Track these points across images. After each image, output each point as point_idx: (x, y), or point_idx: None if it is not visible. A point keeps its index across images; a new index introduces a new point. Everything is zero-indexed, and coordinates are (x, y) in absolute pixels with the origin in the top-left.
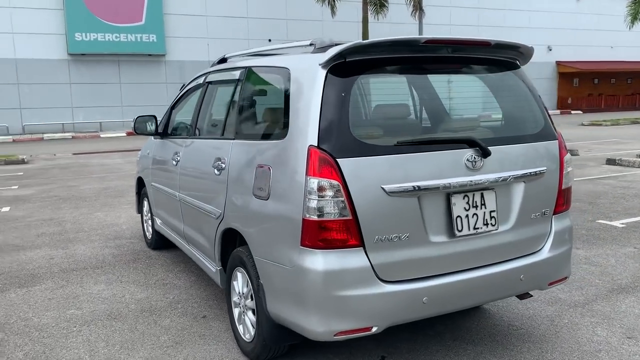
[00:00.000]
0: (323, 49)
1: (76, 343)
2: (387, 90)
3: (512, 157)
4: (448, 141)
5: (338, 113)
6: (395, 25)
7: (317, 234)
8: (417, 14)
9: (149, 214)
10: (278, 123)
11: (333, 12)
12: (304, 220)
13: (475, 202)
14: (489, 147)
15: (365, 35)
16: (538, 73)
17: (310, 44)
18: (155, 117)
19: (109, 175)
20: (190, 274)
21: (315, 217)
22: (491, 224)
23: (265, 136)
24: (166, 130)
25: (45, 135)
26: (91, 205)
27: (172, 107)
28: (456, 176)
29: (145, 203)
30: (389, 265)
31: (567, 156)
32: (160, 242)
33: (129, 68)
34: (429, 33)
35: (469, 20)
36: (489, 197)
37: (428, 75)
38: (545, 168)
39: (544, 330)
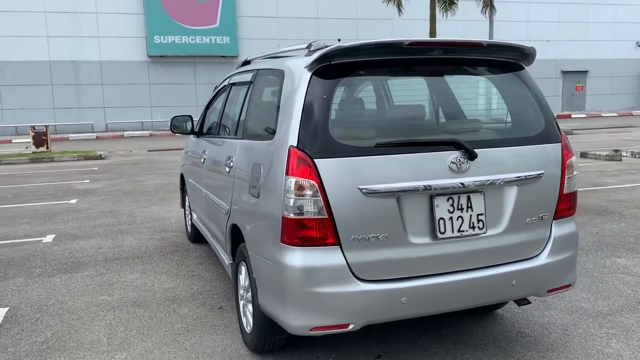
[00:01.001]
0: (313, 51)
1: (99, 326)
2: (372, 92)
3: (504, 160)
4: (432, 143)
5: (319, 115)
6: (466, 22)
7: (295, 232)
8: (488, 10)
9: (189, 209)
10: (271, 123)
11: (400, 11)
12: (282, 217)
13: (461, 204)
14: (479, 150)
15: (432, 33)
16: (625, 71)
17: (307, 47)
18: (191, 117)
19: (173, 172)
20: (219, 266)
21: (292, 215)
22: (478, 227)
23: (261, 136)
24: (201, 130)
25: (125, 132)
26: (149, 199)
27: (207, 107)
28: (439, 178)
29: (187, 198)
30: (366, 264)
31: (572, 160)
32: (198, 236)
33: (203, 69)
34: (502, 30)
35: (548, 16)
36: (477, 199)
37: (416, 77)
38: (542, 171)
39: (554, 339)
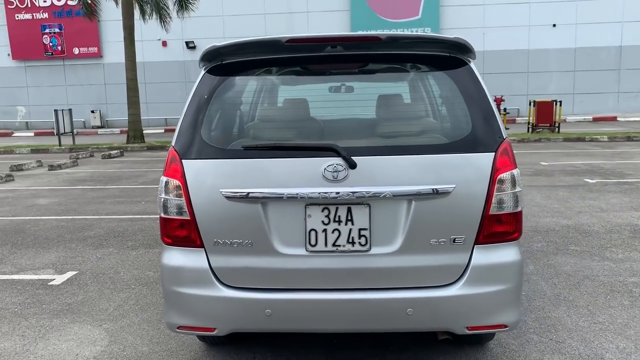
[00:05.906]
0: None
1: (118, 298)
2: (255, 94)
3: (398, 170)
4: (306, 148)
5: (196, 114)
6: None
7: (165, 231)
8: None
9: None
10: None
11: None
12: (159, 216)
13: (339, 216)
14: (366, 157)
15: None
16: None
17: None
18: None
19: None
20: None
21: (162, 214)
22: (359, 243)
23: None
24: None
25: None
26: None
27: None
28: (311, 186)
29: None
30: (231, 270)
31: (510, 173)
32: None
33: None
34: None
35: None
36: (360, 213)
37: (306, 77)
38: (453, 186)
39: None
